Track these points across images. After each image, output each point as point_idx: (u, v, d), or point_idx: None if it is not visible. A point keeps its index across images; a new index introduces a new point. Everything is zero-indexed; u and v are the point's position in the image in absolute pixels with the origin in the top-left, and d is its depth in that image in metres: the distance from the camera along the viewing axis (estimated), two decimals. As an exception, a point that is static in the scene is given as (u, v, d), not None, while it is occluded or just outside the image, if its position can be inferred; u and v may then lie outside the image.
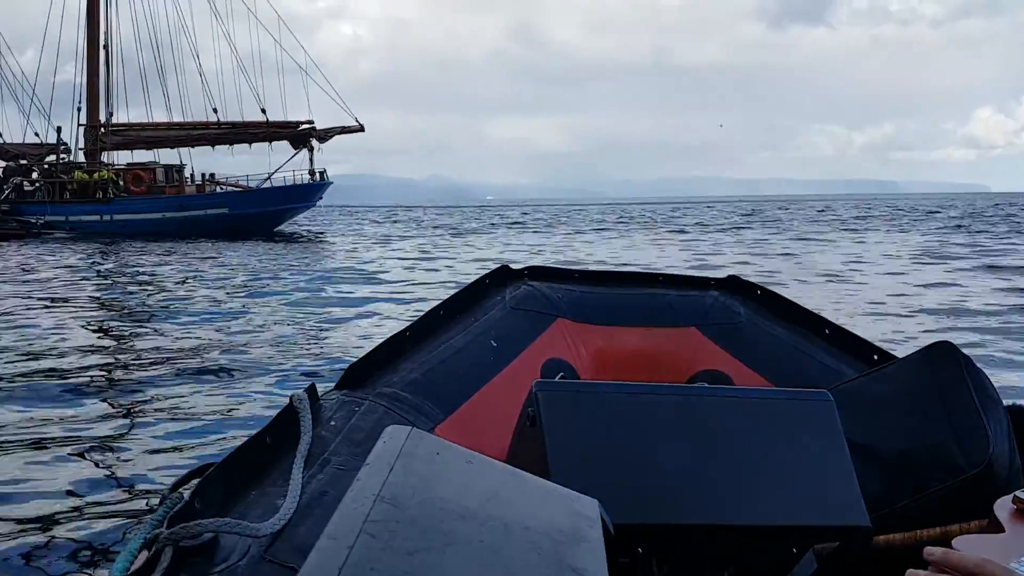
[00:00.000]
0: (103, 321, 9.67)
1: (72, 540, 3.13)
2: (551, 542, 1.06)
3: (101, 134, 34.66)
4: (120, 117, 35.66)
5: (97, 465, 3.94)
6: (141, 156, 35.55)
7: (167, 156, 35.50)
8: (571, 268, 2.90)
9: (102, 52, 35.16)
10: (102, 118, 35.02)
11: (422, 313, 2.52)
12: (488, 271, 2.77)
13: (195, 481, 1.37)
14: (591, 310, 2.65)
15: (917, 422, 1.89)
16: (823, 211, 56.13)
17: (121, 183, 33.33)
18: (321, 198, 35.81)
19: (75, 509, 3.40)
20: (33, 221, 30.38)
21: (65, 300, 11.47)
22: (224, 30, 36.65)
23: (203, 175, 35.50)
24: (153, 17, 35.88)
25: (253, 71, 40.95)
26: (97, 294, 12.59)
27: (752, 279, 2.84)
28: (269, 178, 34.19)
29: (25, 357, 6.86)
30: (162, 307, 10.55)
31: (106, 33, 35.32)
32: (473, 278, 2.75)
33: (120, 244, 26.66)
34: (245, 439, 1.55)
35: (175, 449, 4.17)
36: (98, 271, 16.77)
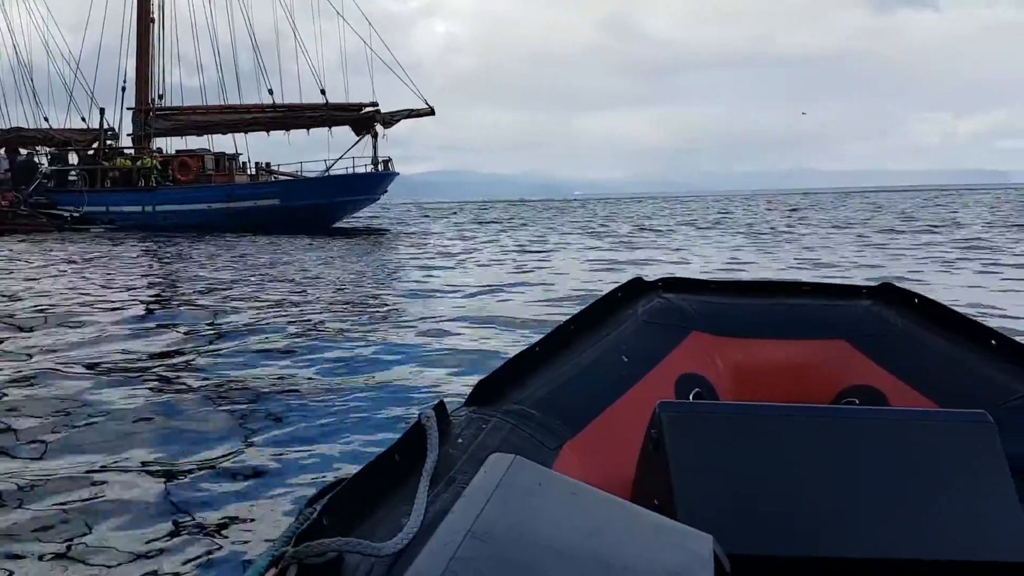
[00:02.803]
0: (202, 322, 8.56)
1: (207, 554, 3.02)
2: None
3: (150, 118, 31.70)
4: (173, 100, 32.70)
5: (232, 478, 3.79)
6: (196, 144, 32.53)
7: (224, 145, 32.39)
8: (707, 279, 2.72)
9: (152, 27, 32.17)
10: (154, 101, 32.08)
11: (551, 328, 2.39)
12: (619, 284, 2.64)
13: (326, 498, 1.33)
14: (729, 322, 2.46)
15: None
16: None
17: (168, 171, 30.27)
18: (386, 191, 31.88)
19: (208, 525, 3.28)
20: (66, 214, 27.50)
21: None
22: (283, 4, 33.10)
23: (257, 164, 32.15)
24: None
25: (314, 49, 37.36)
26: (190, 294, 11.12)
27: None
28: (329, 169, 30.51)
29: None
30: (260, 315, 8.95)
31: (159, 5, 32.33)
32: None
33: (171, 240, 23.68)
34: (374, 456, 1.48)
35: (309, 465, 3.96)
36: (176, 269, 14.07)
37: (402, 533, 1.19)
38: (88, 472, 3.79)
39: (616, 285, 2.62)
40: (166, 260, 17.11)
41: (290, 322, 8.29)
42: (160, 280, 13.37)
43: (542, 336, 2.34)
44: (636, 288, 2.63)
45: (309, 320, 8.47)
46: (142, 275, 13.87)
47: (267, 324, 8.20)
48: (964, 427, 1.54)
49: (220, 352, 6.92)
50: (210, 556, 3.01)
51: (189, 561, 2.95)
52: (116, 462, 3.97)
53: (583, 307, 2.49)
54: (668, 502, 1.38)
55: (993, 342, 2.26)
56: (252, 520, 3.29)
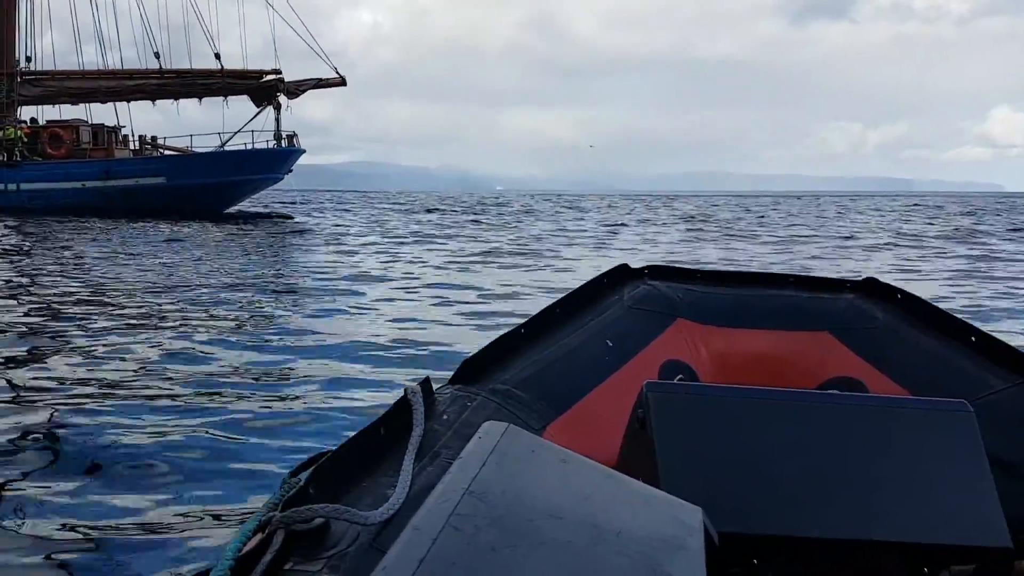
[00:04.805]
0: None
1: (193, 518, 3.14)
2: (645, 549, 1.02)
3: (17, 84, 27.75)
4: (44, 64, 28.77)
5: (222, 448, 3.93)
6: (72, 114, 28.66)
7: (104, 116, 28.67)
8: (693, 268, 2.79)
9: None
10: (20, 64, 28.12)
11: (538, 310, 2.42)
12: (606, 270, 2.67)
13: (313, 468, 1.37)
14: (714, 311, 2.53)
15: None
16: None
17: (36, 144, 26.48)
18: (291, 170, 28.63)
19: (199, 490, 3.43)
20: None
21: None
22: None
23: (141, 138, 28.48)
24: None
25: (208, 8, 33.79)
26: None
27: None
28: (224, 144, 27.12)
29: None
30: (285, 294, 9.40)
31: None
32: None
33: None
34: (360, 429, 1.53)
35: (297, 436, 4.11)
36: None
37: (388, 503, 1.24)
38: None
39: (602, 271, 2.64)
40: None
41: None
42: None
43: (527, 318, 2.35)
44: (622, 274, 2.67)
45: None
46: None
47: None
48: (944, 415, 1.58)
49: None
50: (194, 525, 3.03)
51: (174, 530, 2.98)
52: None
53: (569, 291, 2.50)
54: (653, 480, 1.41)
55: (973, 339, 2.29)
56: (231, 495, 3.32)
